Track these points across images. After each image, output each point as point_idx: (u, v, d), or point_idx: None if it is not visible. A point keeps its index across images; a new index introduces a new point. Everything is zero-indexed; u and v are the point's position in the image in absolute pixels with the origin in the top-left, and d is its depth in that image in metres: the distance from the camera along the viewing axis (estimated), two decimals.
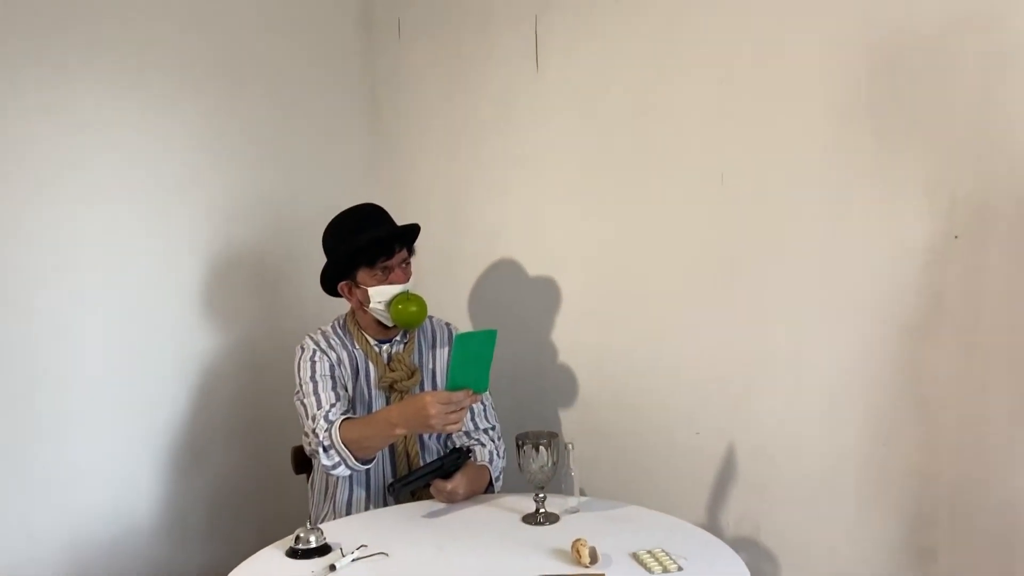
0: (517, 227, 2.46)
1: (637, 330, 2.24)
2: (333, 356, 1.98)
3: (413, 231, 2.00)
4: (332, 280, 1.99)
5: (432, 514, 1.83)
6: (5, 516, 1.99)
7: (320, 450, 1.84)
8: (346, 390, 1.97)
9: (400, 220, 2.03)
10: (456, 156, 2.58)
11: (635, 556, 1.55)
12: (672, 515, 1.78)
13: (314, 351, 1.96)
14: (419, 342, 2.06)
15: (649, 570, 1.49)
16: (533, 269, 2.44)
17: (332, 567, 1.54)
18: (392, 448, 1.98)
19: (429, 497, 1.91)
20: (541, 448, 1.73)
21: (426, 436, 2.02)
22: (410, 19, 2.65)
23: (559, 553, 1.57)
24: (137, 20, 2.17)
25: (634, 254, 2.22)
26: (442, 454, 1.98)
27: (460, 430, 1.86)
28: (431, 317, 2.09)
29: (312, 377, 1.93)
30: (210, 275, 2.35)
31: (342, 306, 2.07)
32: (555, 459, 1.75)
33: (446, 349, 2.07)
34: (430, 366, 2.06)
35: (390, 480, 1.96)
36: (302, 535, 1.62)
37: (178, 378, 2.31)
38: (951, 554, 1.79)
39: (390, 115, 2.74)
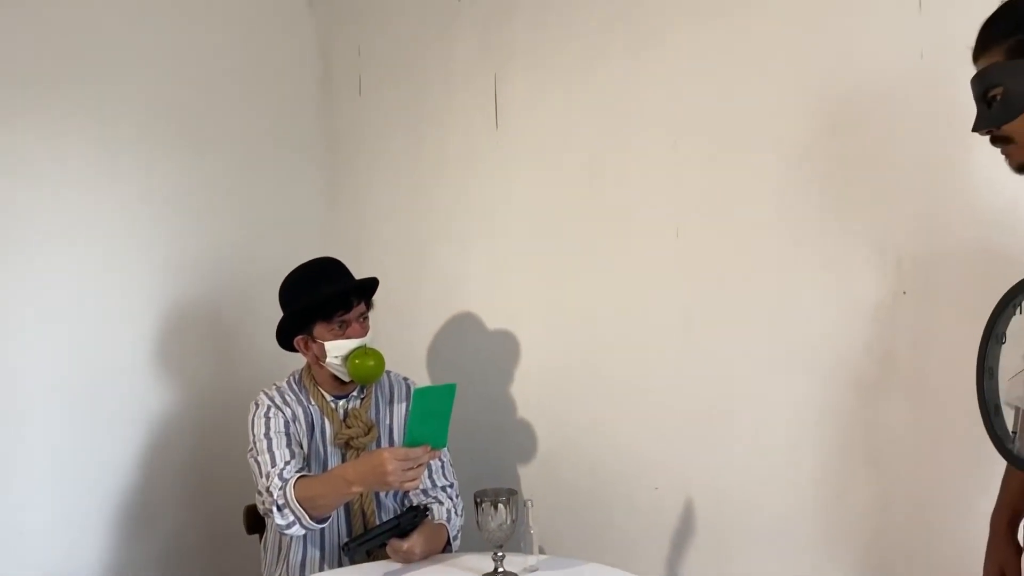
0: (476, 281, 2.46)
1: (596, 384, 2.24)
2: (288, 412, 1.94)
3: (371, 285, 2.00)
4: (288, 334, 1.97)
5: (388, 574, 1.79)
6: None
7: (274, 509, 1.79)
8: (301, 447, 1.94)
9: (358, 274, 2.02)
10: (415, 211, 2.59)
11: None
12: (632, 571, 1.76)
13: (268, 407, 1.93)
14: (376, 397, 2.04)
15: None
16: (492, 323, 2.44)
17: None
18: (348, 506, 1.94)
19: (385, 557, 1.87)
20: (500, 506, 1.71)
21: (382, 494, 1.98)
22: (371, 76, 2.68)
23: None
24: (97, 74, 2.17)
25: (593, 308, 2.23)
26: (399, 512, 1.94)
27: (418, 487, 1.83)
28: (389, 372, 2.07)
29: (266, 434, 1.90)
30: (164, 330, 2.31)
31: (298, 361, 2.04)
32: (514, 517, 1.73)
33: (404, 404, 2.05)
34: (387, 422, 2.04)
35: (345, 539, 1.91)
36: None
37: (128, 436, 2.25)
38: None
39: (349, 169, 2.75)
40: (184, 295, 2.36)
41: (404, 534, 1.84)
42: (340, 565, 1.92)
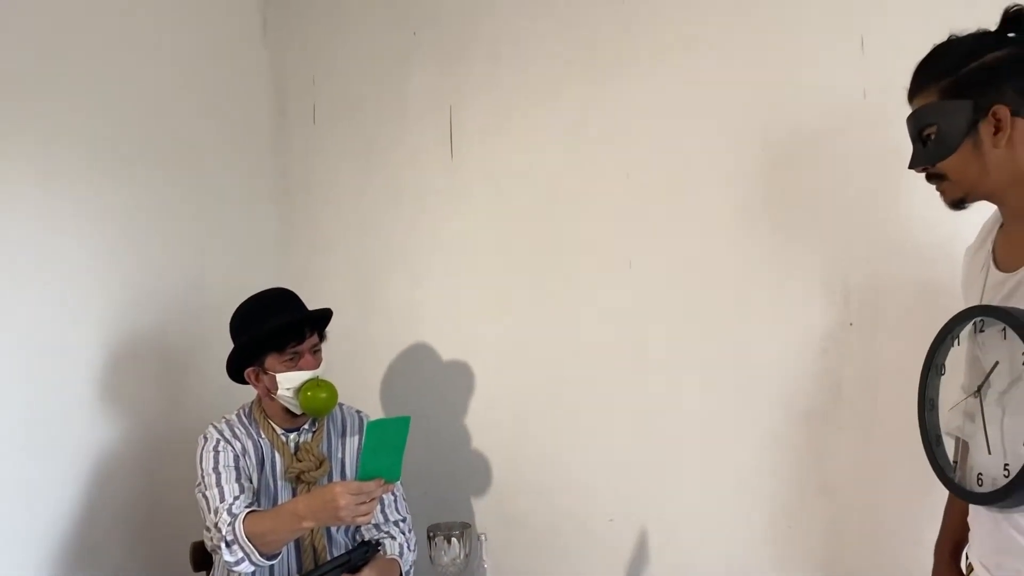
0: (431, 312, 2.45)
1: (551, 415, 2.24)
2: (238, 446, 1.91)
3: (324, 316, 1.98)
4: (239, 366, 1.94)
5: None
6: None
7: (223, 545, 1.76)
8: (251, 482, 1.90)
9: (311, 305, 2.00)
10: (369, 241, 2.58)
11: None
12: None
13: (217, 441, 1.90)
14: (328, 430, 2.01)
15: None
16: (447, 355, 2.43)
17: None
18: (298, 542, 1.90)
19: None
20: (453, 540, 1.70)
21: (334, 529, 1.95)
22: (325, 105, 2.67)
23: None
24: (44, 100, 2.13)
25: (547, 340, 2.24)
26: (350, 547, 1.92)
27: (371, 522, 1.81)
28: (341, 404, 2.05)
29: (215, 468, 1.86)
30: (110, 361, 2.26)
31: (248, 394, 2.01)
32: (467, 551, 1.72)
33: (357, 437, 2.03)
34: (340, 455, 2.01)
35: None
36: None
37: (70, 469, 2.18)
38: None
39: (302, 199, 2.73)
40: (131, 326, 2.31)
41: (355, 570, 1.81)
42: None
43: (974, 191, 1.27)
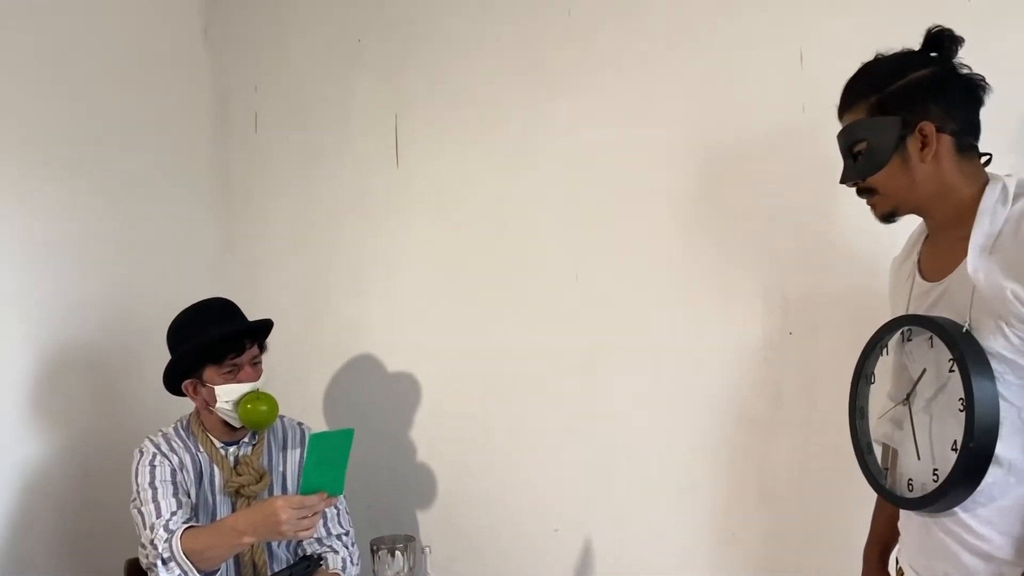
0: (375, 323, 2.43)
1: (496, 427, 2.23)
2: (175, 460, 1.87)
3: (265, 327, 1.95)
4: (176, 378, 1.90)
5: None
6: None
7: (159, 563, 1.72)
8: (188, 497, 1.86)
9: (252, 315, 1.97)
10: (313, 251, 2.55)
11: None
12: None
13: (154, 455, 1.86)
14: (269, 443, 1.98)
15: None
16: (391, 365, 2.41)
17: None
18: (238, 558, 1.87)
19: None
20: (397, 553, 1.69)
21: (275, 543, 1.92)
22: (268, 113, 2.64)
23: None
24: None
25: (493, 350, 2.23)
26: (292, 562, 1.89)
27: (313, 536, 1.78)
28: (282, 417, 2.02)
29: (151, 483, 1.82)
30: (40, 372, 2.19)
31: (185, 406, 1.97)
32: (412, 564, 1.71)
33: (298, 450, 2.00)
34: (281, 469, 1.98)
35: None
36: None
37: None
38: None
39: (244, 208, 2.69)
40: (64, 336, 2.25)
41: None
42: None
43: (903, 204, 1.31)
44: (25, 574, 2.16)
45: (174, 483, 1.84)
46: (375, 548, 1.70)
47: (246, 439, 1.95)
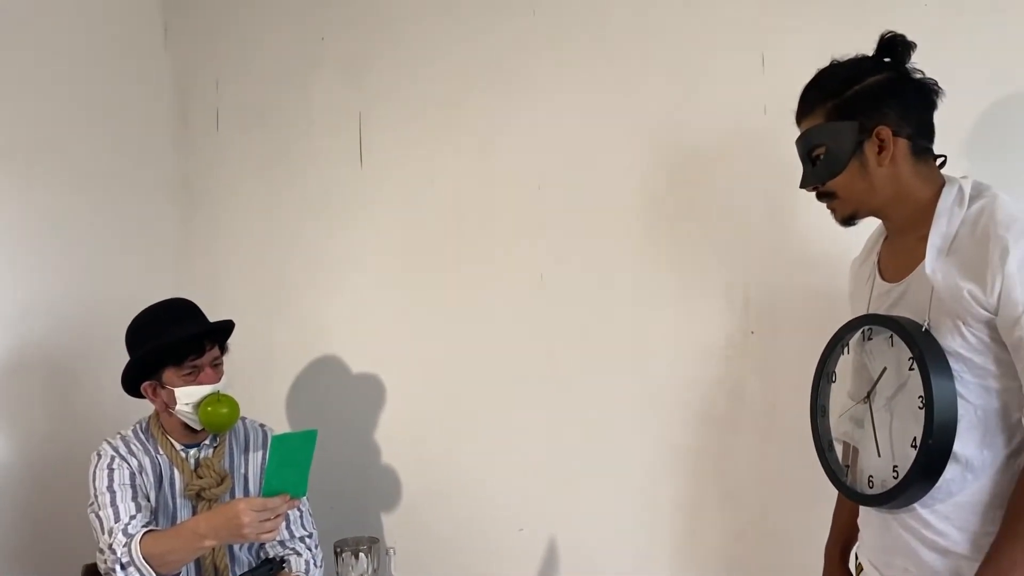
0: (338, 324, 2.42)
1: (459, 428, 2.23)
2: (134, 463, 1.84)
3: (226, 328, 1.92)
4: (135, 380, 1.86)
5: None
6: None
7: (117, 568, 1.69)
8: (148, 500, 1.83)
9: (213, 316, 1.94)
10: (274, 251, 2.52)
11: None
12: None
13: (112, 458, 1.82)
14: (230, 446, 1.95)
15: None
16: (354, 366, 2.40)
17: None
18: (199, 562, 1.85)
19: None
20: (361, 555, 1.68)
21: (236, 546, 1.90)
22: (229, 111, 2.61)
23: None
24: None
25: (457, 351, 2.23)
26: (254, 565, 1.87)
27: (275, 539, 1.76)
28: (244, 419, 1.99)
29: (109, 487, 1.78)
30: None
31: (145, 408, 1.94)
32: (376, 566, 1.70)
33: (260, 452, 1.98)
34: (242, 471, 1.96)
35: None
36: None
37: None
38: None
39: (205, 208, 2.65)
40: (20, 335, 2.21)
41: None
42: None
43: (863, 207, 1.33)
44: None
45: (133, 486, 1.81)
46: (339, 550, 1.68)
47: (207, 441, 1.93)
